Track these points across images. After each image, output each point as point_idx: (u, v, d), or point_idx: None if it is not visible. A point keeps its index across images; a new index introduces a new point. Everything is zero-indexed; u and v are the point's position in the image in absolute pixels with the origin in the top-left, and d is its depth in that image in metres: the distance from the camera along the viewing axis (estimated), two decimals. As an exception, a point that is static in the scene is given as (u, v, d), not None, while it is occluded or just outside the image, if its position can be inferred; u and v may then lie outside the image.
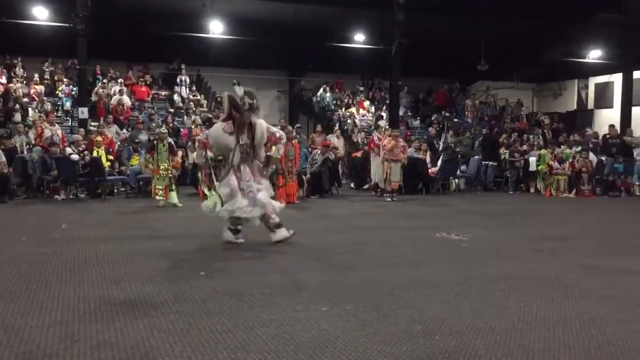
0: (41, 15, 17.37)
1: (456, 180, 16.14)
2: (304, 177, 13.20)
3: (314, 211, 11.27)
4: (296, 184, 12.45)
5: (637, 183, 15.50)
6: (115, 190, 13.53)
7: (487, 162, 16.24)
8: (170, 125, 16.16)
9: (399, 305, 4.60)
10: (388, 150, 13.11)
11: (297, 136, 14.33)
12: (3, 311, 4.25)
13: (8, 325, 3.92)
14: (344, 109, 22.10)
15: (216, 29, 18.84)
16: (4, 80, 18.05)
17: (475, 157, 16.71)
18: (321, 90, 22.68)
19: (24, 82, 18.42)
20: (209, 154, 7.39)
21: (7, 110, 15.65)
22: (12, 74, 18.62)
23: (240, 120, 7.24)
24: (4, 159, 11.99)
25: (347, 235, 8.18)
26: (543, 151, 16.14)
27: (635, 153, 15.80)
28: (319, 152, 14.06)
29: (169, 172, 11.37)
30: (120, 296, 4.72)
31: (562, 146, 16.64)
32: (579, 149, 16.02)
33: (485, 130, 20.11)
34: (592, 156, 15.75)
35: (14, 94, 16.66)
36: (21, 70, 18.81)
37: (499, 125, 21.24)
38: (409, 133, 18.83)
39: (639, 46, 19.56)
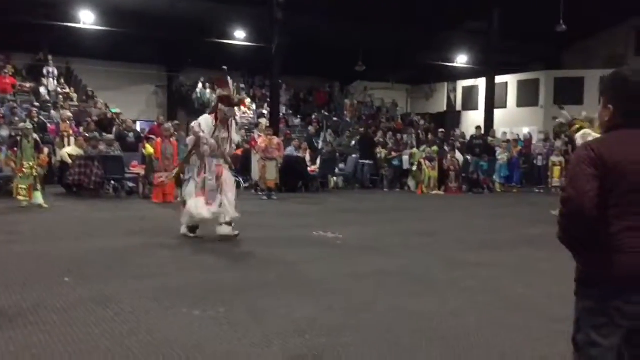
0: None
1: (335, 178, 16.54)
2: (182, 175, 12.84)
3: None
4: (173, 182, 12.10)
5: (497, 181, 16.73)
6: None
7: (364, 161, 16.78)
8: (36, 120, 15.08)
9: (272, 306, 4.63)
10: (262, 149, 13.17)
11: (176, 134, 13.96)
12: None
13: None
14: (224, 106, 21.80)
15: (87, 18, 17.85)
16: None
17: (353, 155, 17.20)
18: (200, 86, 22.23)
19: None
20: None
21: None
22: None
23: (226, 116, 7.53)
24: None
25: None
26: (415, 150, 16.97)
27: (497, 152, 17.01)
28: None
29: (34, 170, 10.60)
30: (-28, 308, 4.34)
31: (433, 146, 17.56)
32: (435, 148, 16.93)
33: (362, 129, 20.75)
34: (458, 155, 16.77)
35: None
36: None
37: (376, 125, 22.02)
38: (288, 132, 18.99)
39: (500, 53, 21.16)
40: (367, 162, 16.72)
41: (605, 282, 2.22)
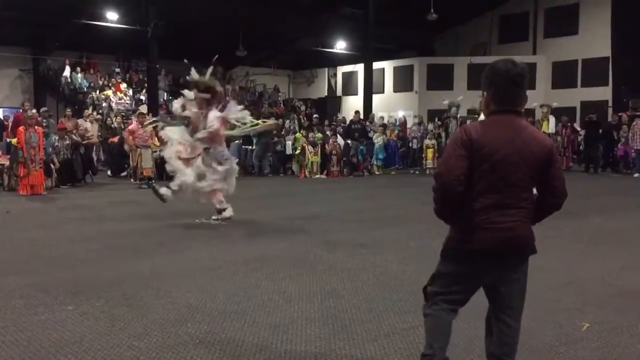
0: None
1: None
2: (52, 165, 12.13)
3: (62, 202, 10.46)
4: (41, 173, 11.38)
5: (375, 163, 17.37)
6: None
7: (246, 147, 16.71)
8: None
9: (152, 297, 4.54)
10: (131, 134, 12.82)
11: (44, 121, 13.12)
12: None
13: None
14: (98, 92, 20.79)
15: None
16: None
17: (235, 141, 17.05)
18: (67, 69, 20.96)
19: None
20: None
21: None
22: None
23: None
24: None
25: (98, 227, 7.76)
26: (298, 135, 17.16)
27: (373, 136, 17.63)
28: (57, 137, 12.96)
29: None
30: None
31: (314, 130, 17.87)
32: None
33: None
34: (340, 140, 17.18)
35: None
36: None
37: (258, 111, 21.98)
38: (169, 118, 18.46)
39: (376, 39, 21.88)
40: (250, 147, 16.68)
41: (463, 252, 2.52)
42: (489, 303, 2.71)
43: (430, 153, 16.91)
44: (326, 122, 19.15)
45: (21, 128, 11.43)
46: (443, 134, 17.13)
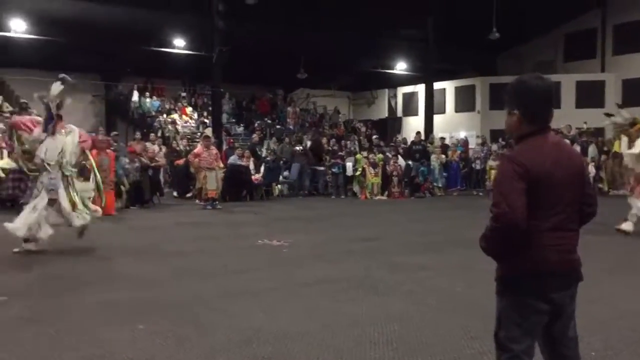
0: None
1: (279, 186, 16.56)
2: (122, 187, 12.61)
3: (132, 222, 10.84)
4: (112, 194, 11.84)
5: (437, 184, 17.14)
6: None
7: (313, 167, 16.87)
8: (-35, 133, 14.45)
9: (218, 317, 4.62)
10: (196, 157, 13.17)
11: (114, 144, 13.66)
12: None
13: None
14: (165, 116, 21.52)
15: (18, 27, 17.25)
16: None
17: (297, 163, 17.27)
18: (135, 94, 21.82)
19: None
20: None
21: None
22: None
23: None
24: None
25: (167, 247, 7.99)
26: (359, 156, 17.18)
27: (431, 158, 17.46)
28: (128, 160, 13.48)
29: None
30: None
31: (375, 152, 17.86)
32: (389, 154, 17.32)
33: (308, 136, 20.80)
34: (401, 160, 17.10)
35: None
36: None
37: (321, 132, 22.18)
38: (232, 140, 18.89)
39: (437, 60, 21.77)
40: (318, 168, 16.83)
41: (531, 278, 2.38)
42: (544, 341, 2.50)
43: (493, 174, 16.55)
44: (382, 143, 19.15)
45: (94, 152, 11.94)
46: (508, 155, 16.71)
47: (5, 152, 13.67)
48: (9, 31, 17.12)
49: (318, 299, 5.19)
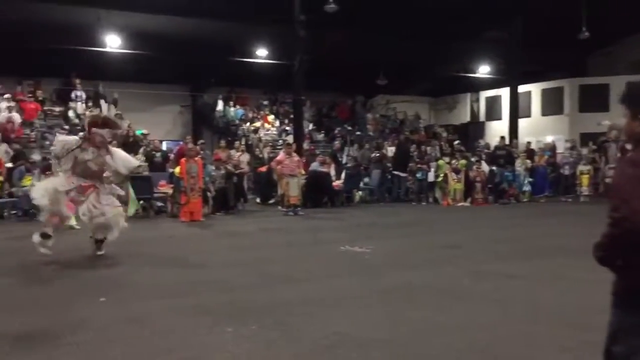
0: None
1: (360, 192, 16.58)
2: (208, 194, 13.07)
3: (218, 228, 11.19)
4: (200, 201, 12.30)
5: (523, 191, 16.60)
6: (5, 214, 12.72)
7: (398, 173, 16.80)
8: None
9: (303, 322, 4.69)
10: (278, 164, 13.42)
11: (202, 152, 14.19)
12: None
13: None
14: (248, 124, 22.10)
15: (113, 43, 18.28)
16: None
17: (377, 170, 17.25)
18: (220, 104, 22.54)
19: None
20: None
21: None
22: None
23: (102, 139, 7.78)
24: None
25: (252, 253, 8.19)
26: (440, 162, 16.93)
27: (516, 163, 16.92)
28: (214, 167, 13.96)
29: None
30: (14, 328, 4.48)
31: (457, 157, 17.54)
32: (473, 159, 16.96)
33: (388, 142, 20.71)
34: (484, 166, 16.70)
35: None
36: None
37: (401, 138, 22.03)
38: (312, 147, 19.11)
39: (522, 62, 21.10)
40: (401, 174, 16.74)
41: None
42: None
43: (585, 179, 15.88)
44: (463, 148, 18.77)
45: (183, 159, 12.47)
46: (602, 159, 15.99)
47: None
48: (105, 47, 18.16)
49: (402, 306, 5.16)
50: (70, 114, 19.25)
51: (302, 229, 11.15)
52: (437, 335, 4.34)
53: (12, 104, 17.36)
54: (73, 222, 10.78)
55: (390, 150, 18.47)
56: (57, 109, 19.63)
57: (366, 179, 17.02)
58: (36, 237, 7.22)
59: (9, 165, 13.55)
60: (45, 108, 19.27)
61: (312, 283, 6.22)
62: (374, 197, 16.93)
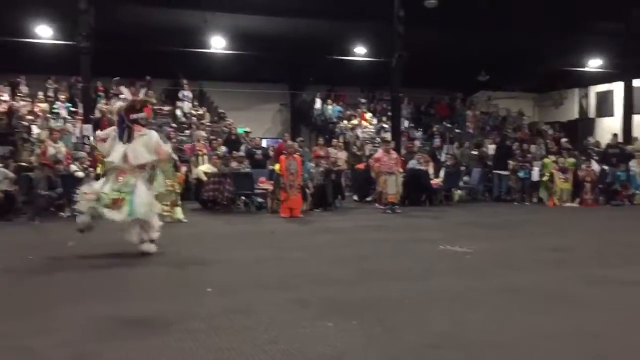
0: (45, 34, 17.58)
1: (459, 191, 16.20)
2: (307, 190, 13.26)
3: (317, 225, 11.32)
4: (299, 197, 12.51)
5: (637, 191, 15.53)
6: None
7: (498, 172, 16.29)
8: (174, 140, 16.26)
9: (404, 320, 4.64)
10: (376, 161, 13.36)
11: (300, 149, 14.42)
12: (13, 330, 4.30)
13: (19, 345, 3.97)
14: (346, 121, 22.21)
15: (217, 44, 19.01)
16: (6, 97, 18.16)
17: (477, 168, 16.78)
18: (318, 102, 22.81)
19: (29, 100, 18.46)
20: None
21: (11, 129, 15.76)
22: (15, 92, 18.74)
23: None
24: (12, 175, 12.12)
25: (350, 249, 8.21)
26: (546, 160, 16.19)
27: (631, 162, 15.84)
28: (314, 164, 14.14)
29: (174, 187, 11.40)
30: (128, 314, 4.75)
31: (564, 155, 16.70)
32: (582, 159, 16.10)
33: (488, 140, 20.10)
34: (594, 165, 15.79)
35: (17, 112, 16.76)
36: (25, 88, 18.92)
37: (501, 136, 21.30)
38: (410, 145, 18.89)
39: (638, 54, 19.70)
40: (502, 173, 16.20)
41: None
42: None
43: None
44: (570, 146, 17.82)
45: (283, 156, 12.73)
46: None
47: (206, 157, 15.13)
48: (210, 48, 18.91)
49: (506, 309, 4.98)
50: (178, 112, 20.27)
51: (400, 227, 11.04)
52: (545, 340, 4.14)
53: (126, 103, 18.43)
54: (180, 215, 11.36)
55: (492, 149, 17.91)
56: (166, 108, 20.70)
57: (466, 178, 16.59)
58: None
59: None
60: (155, 107, 20.36)
61: (412, 281, 6.14)
62: (473, 196, 16.48)
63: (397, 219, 12.24)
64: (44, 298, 5.35)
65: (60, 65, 18.10)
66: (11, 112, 16.65)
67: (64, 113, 18.24)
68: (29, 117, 16.87)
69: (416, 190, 14.77)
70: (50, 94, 19.27)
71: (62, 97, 18.55)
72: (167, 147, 7.90)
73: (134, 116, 7.39)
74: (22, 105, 17.61)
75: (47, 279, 6.25)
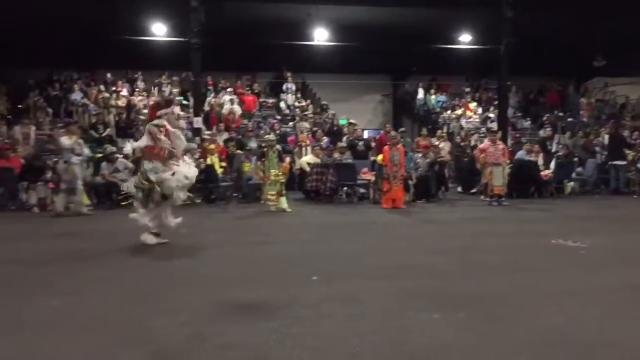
0: (159, 32, 18.60)
1: (571, 183, 15.37)
2: (409, 181, 13.13)
3: (420, 216, 11.19)
4: (402, 188, 12.41)
5: None
6: (228, 196, 14.08)
7: (614, 162, 15.30)
8: (278, 132, 16.68)
9: (514, 315, 4.48)
10: (482, 152, 12.95)
11: (402, 140, 14.28)
12: (135, 310, 4.60)
13: (140, 324, 4.24)
14: (449, 112, 21.73)
15: (321, 36, 19.19)
16: (125, 93, 19.40)
17: (592, 159, 15.84)
18: (421, 92, 22.44)
19: (145, 94, 19.62)
20: None
21: (131, 122, 16.86)
22: (133, 87, 19.98)
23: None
24: (131, 165, 12.96)
25: (456, 241, 8.03)
26: (672, 150, 15.00)
27: None
28: (420, 155, 13.96)
29: (279, 177, 11.70)
30: (239, 299, 4.93)
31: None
32: None
33: (604, 129, 18.88)
34: None
35: (135, 106, 17.89)
36: (142, 83, 20.12)
37: (617, 124, 19.92)
38: (517, 135, 18.17)
39: None
40: (618, 163, 15.19)
41: None
42: None
43: None
44: None
45: (386, 147, 12.68)
46: None
47: (309, 149, 15.37)
48: (313, 40, 19.14)
49: (627, 308, 4.66)
50: (282, 105, 20.73)
51: (508, 220, 10.67)
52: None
53: (234, 97, 19.16)
54: (285, 205, 11.62)
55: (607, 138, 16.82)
56: (271, 100, 21.25)
57: (579, 169, 15.70)
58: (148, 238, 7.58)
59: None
60: (260, 100, 20.98)
61: (522, 275, 5.91)
62: (587, 189, 15.58)
63: (503, 212, 11.84)
64: (161, 281, 5.66)
65: (173, 61, 19.09)
66: (130, 107, 17.79)
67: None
68: (146, 111, 17.89)
69: (524, 182, 14.20)
70: (164, 88, 20.33)
71: (174, 91, 19.52)
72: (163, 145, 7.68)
73: (160, 112, 7.69)
74: (139, 100, 18.75)
75: (164, 264, 6.62)
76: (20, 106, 18.22)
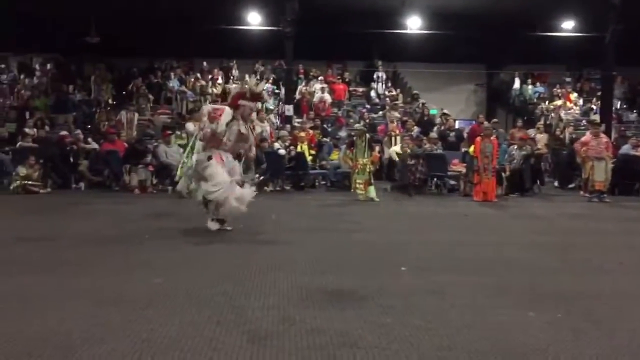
0: (254, 21, 19.00)
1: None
2: (502, 174, 12.70)
3: (513, 210, 10.81)
4: (494, 181, 12.02)
5: None
6: (317, 183, 14.23)
7: None
8: (367, 121, 16.61)
9: (616, 316, 4.25)
10: (583, 145, 12.27)
11: (495, 131, 13.82)
12: (231, 292, 4.74)
13: (235, 305, 4.38)
14: (547, 103, 20.78)
15: (414, 24, 18.90)
16: (220, 81, 19.98)
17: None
18: (517, 82, 21.58)
19: (239, 83, 20.10)
20: None
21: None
22: (229, 75, 20.54)
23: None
24: None
25: (551, 237, 7.73)
26: None
27: None
28: (516, 147, 13.44)
29: (368, 166, 11.66)
30: (328, 286, 4.97)
31: None
32: None
33: None
34: None
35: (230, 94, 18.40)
36: (236, 72, 20.64)
37: None
38: (622, 128, 17.11)
39: None
40: None
41: None
42: None
43: None
44: None
45: (478, 138, 12.31)
46: None
47: (399, 139, 15.19)
48: (406, 29, 18.88)
49: None
50: (372, 93, 20.62)
51: (609, 217, 10.10)
52: None
53: (325, 85, 19.26)
54: (373, 194, 11.58)
55: None
56: (360, 89, 21.20)
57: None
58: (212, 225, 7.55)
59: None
60: (350, 89, 20.97)
61: (623, 275, 5.60)
62: None
63: (605, 209, 11.21)
64: (251, 265, 5.78)
65: (266, 50, 19.45)
66: (225, 94, 18.33)
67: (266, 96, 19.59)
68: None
69: (628, 178, 13.36)
70: (258, 77, 20.71)
71: (267, 85, 19.90)
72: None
73: (241, 102, 7.56)
74: (234, 88, 19.22)
75: (253, 247, 6.80)
76: (124, 93, 19.21)
